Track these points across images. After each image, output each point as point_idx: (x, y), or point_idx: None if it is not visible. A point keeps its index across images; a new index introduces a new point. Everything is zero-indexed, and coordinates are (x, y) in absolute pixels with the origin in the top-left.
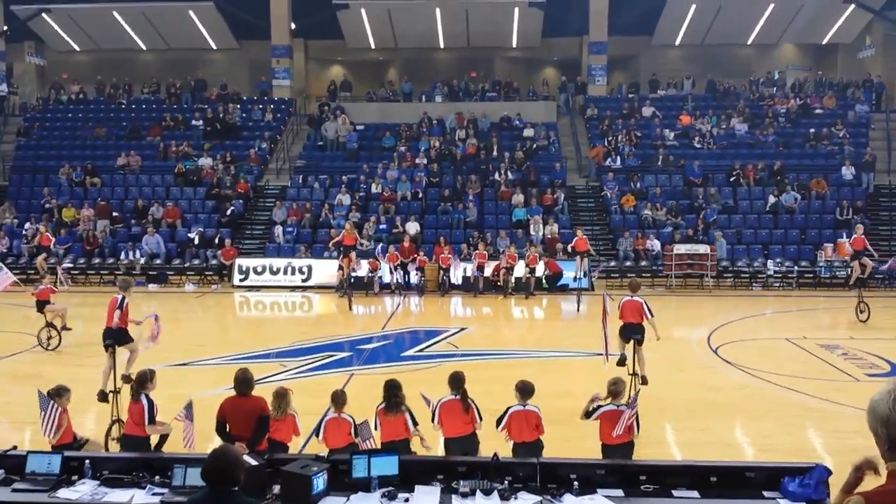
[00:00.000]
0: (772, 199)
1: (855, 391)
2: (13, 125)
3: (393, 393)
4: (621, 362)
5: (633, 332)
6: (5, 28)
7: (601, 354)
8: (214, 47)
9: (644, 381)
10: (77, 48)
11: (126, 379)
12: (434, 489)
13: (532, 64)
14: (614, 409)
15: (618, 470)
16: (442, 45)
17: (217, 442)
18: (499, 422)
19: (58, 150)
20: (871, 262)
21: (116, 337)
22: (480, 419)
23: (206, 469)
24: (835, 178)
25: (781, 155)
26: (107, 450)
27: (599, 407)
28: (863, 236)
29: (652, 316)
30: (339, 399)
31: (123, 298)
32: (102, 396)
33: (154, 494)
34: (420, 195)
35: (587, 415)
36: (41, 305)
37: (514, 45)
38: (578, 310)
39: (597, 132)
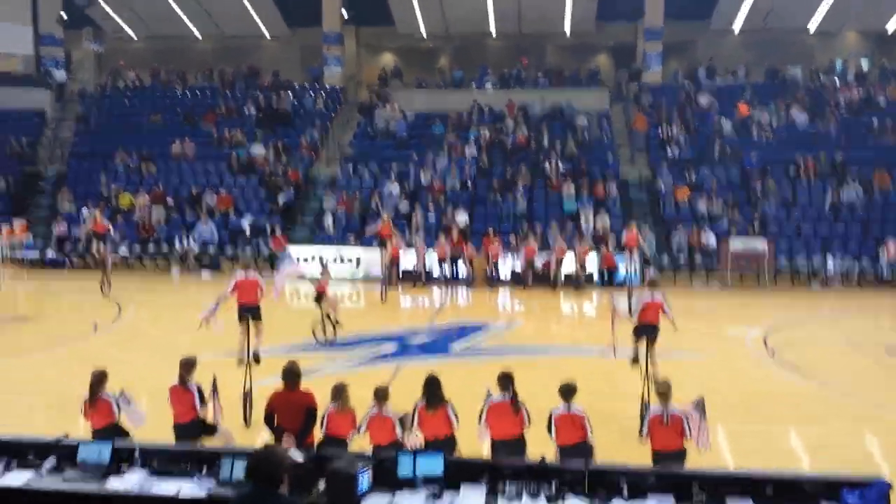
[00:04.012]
0: (831, 194)
1: None
2: (72, 112)
3: (433, 389)
4: (635, 361)
5: (648, 332)
6: (63, 14)
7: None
8: (267, 34)
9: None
10: (133, 35)
11: (256, 356)
12: (479, 489)
13: (585, 50)
14: (661, 411)
15: (669, 477)
16: (493, 32)
17: (266, 434)
18: (549, 428)
19: (115, 136)
20: None
21: (255, 312)
22: (530, 422)
23: (251, 467)
24: None
25: (843, 147)
26: (245, 414)
27: (647, 415)
28: None
29: (670, 311)
30: (381, 395)
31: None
32: (241, 362)
33: (202, 487)
34: (469, 186)
35: (641, 429)
36: (320, 298)
37: (567, 31)
38: (630, 308)
39: (652, 121)
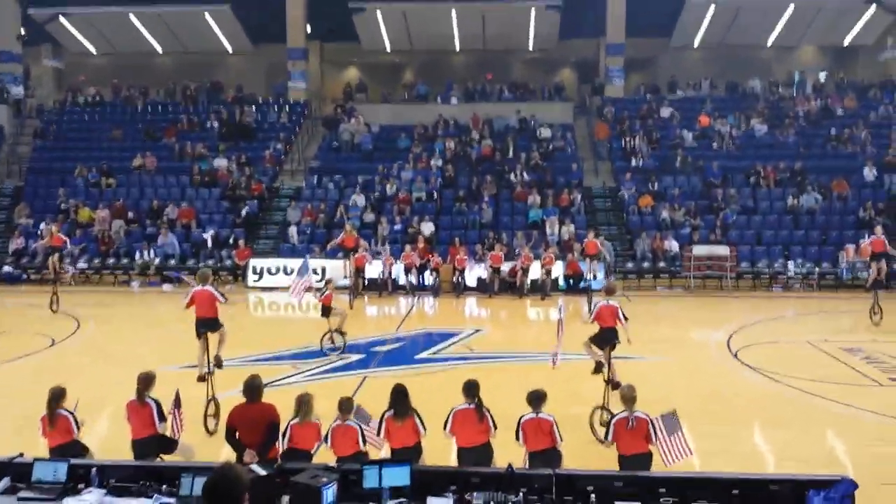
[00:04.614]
0: (791, 201)
1: (878, 396)
2: (30, 127)
3: (400, 399)
4: (597, 370)
5: (608, 337)
6: (23, 31)
7: (553, 357)
8: (230, 50)
9: (616, 386)
10: (94, 51)
11: (218, 361)
12: (447, 501)
13: (548, 66)
14: (626, 415)
15: (636, 482)
16: (458, 48)
17: (228, 449)
18: (517, 436)
19: (74, 151)
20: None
21: (212, 325)
22: (495, 428)
23: (208, 487)
24: (856, 179)
25: (802, 156)
26: (207, 429)
27: (612, 419)
28: (882, 237)
29: (626, 320)
30: (345, 406)
31: (217, 290)
32: (201, 379)
33: None
34: (435, 196)
35: (606, 434)
36: (326, 311)
37: (531, 47)
38: (590, 312)
39: (614, 133)
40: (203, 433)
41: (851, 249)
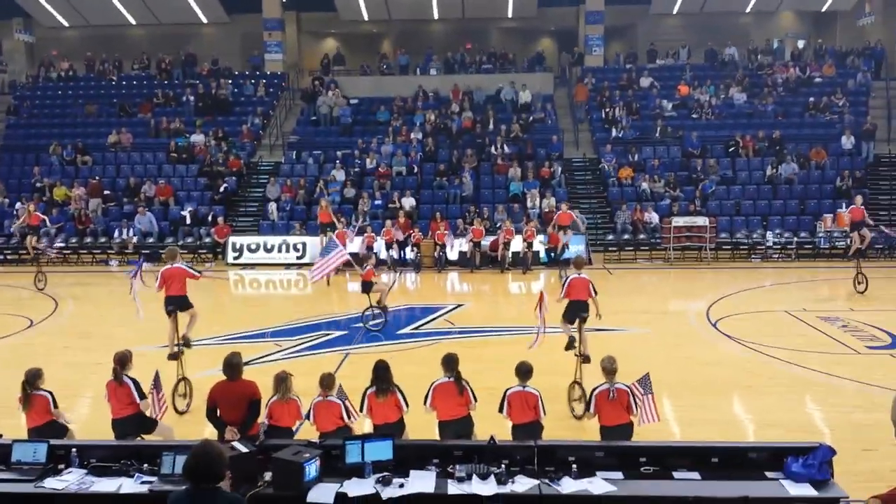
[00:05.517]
0: (769, 170)
1: (855, 364)
2: (2, 103)
3: (382, 374)
4: (569, 346)
5: (579, 310)
6: None
7: (536, 333)
8: (205, 21)
9: (587, 360)
10: (66, 24)
11: (185, 341)
12: (429, 474)
13: (528, 34)
14: (607, 387)
15: (617, 452)
16: (436, 16)
17: (210, 427)
18: (500, 407)
19: (48, 128)
20: (870, 232)
21: (181, 303)
22: (475, 400)
23: (188, 465)
24: (834, 147)
25: (780, 125)
26: (175, 408)
27: (593, 391)
28: (861, 206)
29: (595, 294)
30: (326, 382)
31: (189, 266)
32: (172, 357)
33: (143, 483)
34: (415, 170)
35: (588, 406)
36: (367, 286)
37: (510, 15)
38: (562, 286)
39: (594, 103)
40: (180, 409)
41: (829, 219)
